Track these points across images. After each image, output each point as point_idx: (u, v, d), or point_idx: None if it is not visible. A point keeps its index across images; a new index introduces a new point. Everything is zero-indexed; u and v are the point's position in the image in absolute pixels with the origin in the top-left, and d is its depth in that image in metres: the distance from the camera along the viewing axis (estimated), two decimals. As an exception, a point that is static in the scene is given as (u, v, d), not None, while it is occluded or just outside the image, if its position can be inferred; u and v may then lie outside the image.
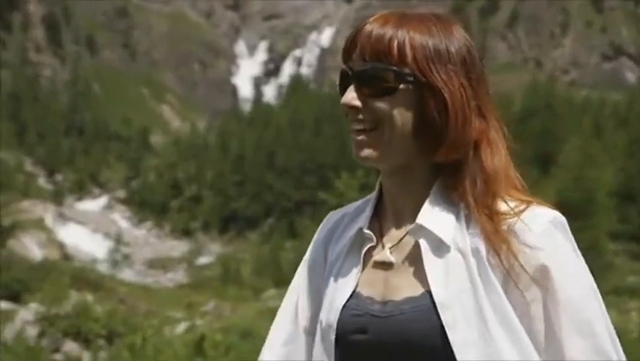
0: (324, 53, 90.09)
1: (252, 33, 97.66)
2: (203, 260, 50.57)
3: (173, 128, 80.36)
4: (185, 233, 56.28)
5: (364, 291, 1.28)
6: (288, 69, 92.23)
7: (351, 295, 1.28)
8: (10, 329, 9.18)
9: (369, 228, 1.30)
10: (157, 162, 64.87)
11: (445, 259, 1.24)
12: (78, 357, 8.51)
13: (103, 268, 41.06)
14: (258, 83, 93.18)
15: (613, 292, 19.32)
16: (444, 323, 1.20)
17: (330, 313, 1.29)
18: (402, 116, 1.23)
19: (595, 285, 1.26)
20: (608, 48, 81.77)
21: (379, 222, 1.31)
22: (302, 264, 1.41)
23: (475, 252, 1.23)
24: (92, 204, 60.65)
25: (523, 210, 1.24)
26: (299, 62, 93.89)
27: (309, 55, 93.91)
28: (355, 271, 1.29)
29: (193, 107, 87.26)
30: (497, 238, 1.22)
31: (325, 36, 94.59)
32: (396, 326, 1.23)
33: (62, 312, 9.05)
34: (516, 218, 1.23)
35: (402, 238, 1.28)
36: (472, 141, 1.25)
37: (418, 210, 1.26)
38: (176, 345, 8.80)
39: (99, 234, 53.81)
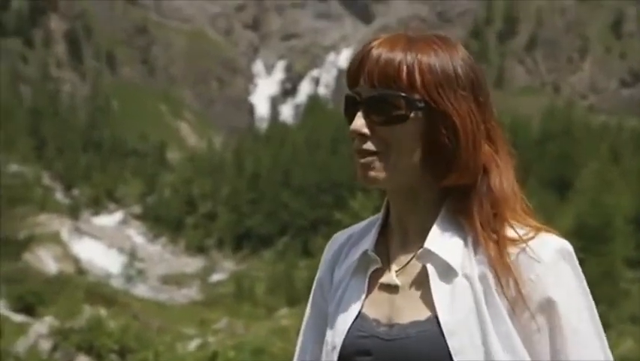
0: (342, 74, 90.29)
1: (270, 52, 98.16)
2: (216, 277, 50.57)
3: (190, 145, 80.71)
4: (200, 250, 56.35)
5: (370, 313, 1.27)
6: (305, 89, 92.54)
7: (356, 317, 1.27)
8: (24, 342, 9.22)
9: (376, 249, 1.29)
10: (173, 178, 65.11)
11: (452, 285, 1.23)
12: (91, 372, 8.53)
13: (117, 283, 41.16)
14: (275, 103, 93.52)
15: (629, 321, 19.12)
16: (450, 349, 1.20)
17: (335, 334, 1.28)
18: (411, 142, 1.22)
19: (598, 319, 1.27)
20: (627, 74, 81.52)
21: (386, 243, 1.30)
22: (313, 286, 1.41)
23: (482, 278, 1.23)
24: (108, 220, 60.88)
25: (532, 237, 1.23)
26: (316, 82, 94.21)
27: (326, 75, 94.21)
28: (361, 293, 1.28)
29: (210, 124, 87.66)
30: (503, 267, 1.22)
31: (343, 57, 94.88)
32: (402, 350, 1.23)
33: (76, 326, 9.08)
34: (524, 245, 1.22)
35: (409, 261, 1.27)
36: (481, 166, 1.24)
37: (425, 233, 1.25)
38: (188, 362, 8.83)
39: (114, 249, 53.97)
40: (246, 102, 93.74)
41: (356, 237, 1.35)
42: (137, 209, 63.29)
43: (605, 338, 1.26)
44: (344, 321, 1.28)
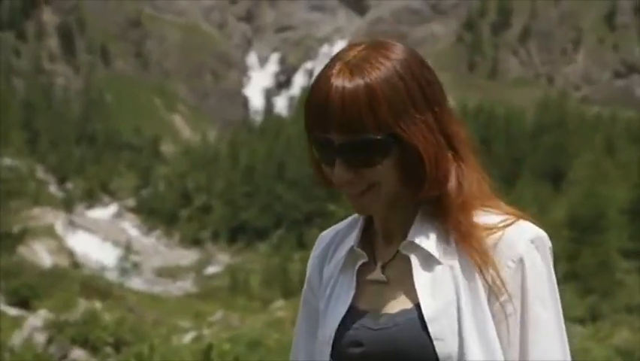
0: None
1: (264, 45, 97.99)
2: (211, 270, 50.59)
3: (184, 138, 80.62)
4: (195, 242, 56.34)
5: (360, 306, 1.34)
6: (299, 81, 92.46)
7: (347, 311, 1.33)
8: (19, 336, 9.22)
9: (361, 245, 1.36)
10: (167, 172, 65.05)
11: (434, 273, 1.30)
12: (86, 365, 8.54)
13: (112, 276, 41.12)
14: (269, 95, 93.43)
15: (624, 310, 19.18)
16: (431, 335, 1.26)
17: (326, 328, 1.35)
18: (392, 173, 1.28)
19: (561, 311, 1.32)
20: (620, 65, 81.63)
21: (370, 240, 1.37)
22: (304, 286, 1.47)
23: (463, 266, 1.29)
24: (102, 213, 60.82)
25: (509, 224, 1.30)
26: (310, 74, 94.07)
27: (320, 67, 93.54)
28: (350, 288, 1.35)
29: (204, 117, 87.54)
30: (482, 254, 1.28)
31: (337, 49, 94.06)
32: (390, 338, 1.29)
33: (71, 319, 9.08)
34: (501, 233, 1.29)
35: (393, 257, 1.34)
36: (447, 175, 1.30)
37: (406, 231, 1.32)
38: (183, 354, 8.82)
39: (108, 242, 53.93)
40: (240, 95, 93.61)
41: (342, 234, 1.41)
42: (131, 202, 63.22)
43: (565, 331, 1.32)
44: (335, 315, 1.34)
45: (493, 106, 57.34)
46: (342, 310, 1.33)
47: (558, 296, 1.31)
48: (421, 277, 1.29)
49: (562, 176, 40.75)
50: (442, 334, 1.27)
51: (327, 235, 1.45)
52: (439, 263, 1.29)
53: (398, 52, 1.28)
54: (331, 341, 1.33)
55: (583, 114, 56.53)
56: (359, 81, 1.24)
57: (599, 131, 49.59)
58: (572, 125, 51.38)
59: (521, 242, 1.29)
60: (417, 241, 1.30)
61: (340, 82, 1.25)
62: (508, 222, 1.30)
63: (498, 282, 1.27)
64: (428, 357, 1.27)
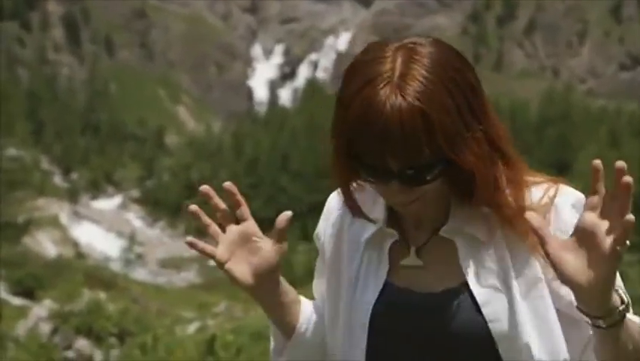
0: (341, 58, 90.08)
1: (268, 36, 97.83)
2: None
3: (188, 130, 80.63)
4: (199, 234, 56.27)
5: (399, 283, 1.34)
6: (303, 73, 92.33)
7: (384, 287, 1.34)
8: (24, 325, 9.25)
9: (392, 221, 1.36)
10: (171, 163, 65.09)
11: (480, 256, 1.31)
12: (90, 355, 8.55)
13: (116, 266, 41.21)
14: (273, 87, 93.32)
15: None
16: (485, 317, 1.28)
17: (361, 303, 1.34)
18: (441, 188, 1.29)
19: None
20: (626, 58, 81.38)
21: (396, 217, 1.36)
22: (323, 239, 1.46)
23: (513, 248, 1.31)
24: (107, 203, 60.90)
25: (554, 195, 1.32)
26: (315, 65, 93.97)
27: (325, 59, 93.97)
28: (383, 265, 1.35)
29: (208, 108, 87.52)
30: (529, 236, 1.27)
31: (342, 41, 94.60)
32: (439, 318, 1.30)
33: (75, 310, 9.11)
34: (545, 204, 1.31)
35: (428, 240, 1.34)
36: (499, 184, 1.29)
37: (439, 215, 1.33)
38: (187, 345, 8.84)
39: (113, 233, 54.02)
40: (245, 86, 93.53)
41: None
42: (135, 193, 63.29)
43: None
44: (370, 291, 1.34)
45: (498, 98, 57.21)
46: (377, 285, 1.33)
47: None
48: (467, 260, 1.30)
49: (566, 168, 40.71)
50: (495, 315, 1.28)
51: (337, 197, 1.43)
52: (485, 246, 1.30)
53: (438, 59, 1.25)
54: (368, 316, 1.32)
55: (588, 107, 56.43)
56: (414, 106, 1.21)
57: (604, 123, 49.50)
58: (576, 117, 51.30)
59: (565, 209, 1.31)
60: (460, 225, 1.31)
61: (395, 108, 1.21)
62: (550, 192, 1.31)
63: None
64: (482, 338, 1.28)
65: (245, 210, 1.41)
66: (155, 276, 44.83)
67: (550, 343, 1.29)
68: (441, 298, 1.30)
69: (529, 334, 1.28)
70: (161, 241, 55.97)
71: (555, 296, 1.30)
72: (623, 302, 1.24)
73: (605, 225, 1.20)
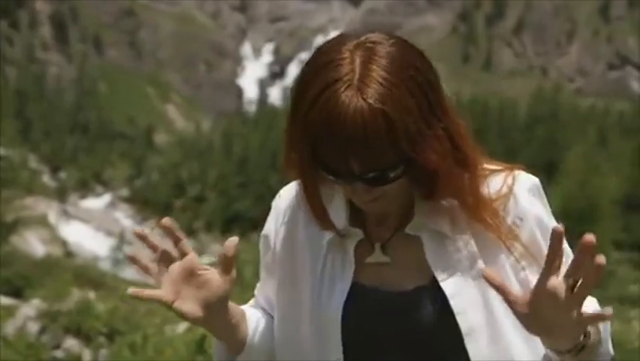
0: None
1: (258, 35, 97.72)
2: (205, 260, 50.49)
3: (178, 128, 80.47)
4: (188, 233, 56.30)
5: (367, 282, 1.33)
6: (293, 72, 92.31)
7: (351, 289, 1.33)
8: (12, 325, 9.21)
9: (355, 220, 1.35)
10: (161, 162, 64.95)
11: (447, 250, 1.31)
12: (79, 354, 8.52)
13: (105, 266, 41.10)
14: (263, 85, 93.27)
15: (616, 301, 19.26)
16: (453, 310, 1.28)
17: (329, 307, 1.32)
18: (404, 185, 1.28)
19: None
20: (614, 57, 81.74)
21: (357, 215, 1.35)
22: (263, 238, 1.47)
23: (480, 240, 1.32)
24: (96, 203, 60.72)
25: (512, 184, 1.33)
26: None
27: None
28: (349, 264, 1.33)
29: (198, 107, 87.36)
30: (494, 227, 1.30)
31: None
32: (411, 316, 1.30)
33: (64, 309, 9.07)
34: (505, 193, 1.32)
35: (391, 236, 1.34)
36: (460, 182, 1.30)
37: (402, 211, 1.33)
38: (176, 344, 8.81)
39: (102, 232, 53.87)
40: (234, 85, 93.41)
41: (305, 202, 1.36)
42: (124, 192, 63.12)
43: None
44: (338, 292, 1.33)
45: (487, 97, 57.35)
46: (344, 287, 1.32)
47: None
48: (433, 255, 1.30)
49: (555, 167, 40.83)
50: (462, 308, 1.28)
51: (287, 196, 1.42)
52: (451, 240, 1.31)
53: (397, 58, 1.23)
54: (339, 316, 1.31)
55: (576, 106, 56.65)
56: (376, 108, 1.19)
57: (593, 123, 49.72)
58: (565, 116, 51.50)
59: (523, 196, 1.33)
60: (425, 220, 1.31)
61: (357, 111, 1.19)
62: (509, 180, 1.33)
63: (518, 245, 1.31)
64: (444, 332, 1.29)
65: (184, 244, 1.37)
66: (144, 275, 44.68)
67: (526, 335, 1.28)
68: (412, 296, 1.30)
69: (506, 324, 1.29)
70: (151, 240, 55.80)
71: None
72: (595, 333, 1.25)
73: (566, 283, 1.18)
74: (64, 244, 48.30)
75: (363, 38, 1.25)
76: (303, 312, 1.35)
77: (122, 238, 51.01)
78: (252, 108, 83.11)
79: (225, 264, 1.30)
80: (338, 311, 1.31)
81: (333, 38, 1.28)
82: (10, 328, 9.26)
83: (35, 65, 78.77)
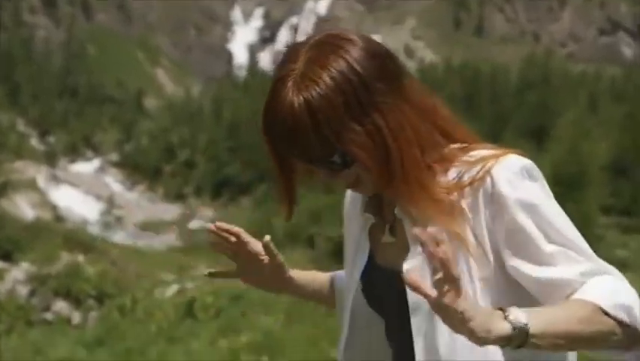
0: (321, 21, 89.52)
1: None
2: (195, 224, 50.65)
3: (167, 93, 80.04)
4: (178, 197, 56.29)
5: (377, 260, 1.49)
6: (283, 36, 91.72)
7: (366, 266, 1.49)
8: (1, 288, 9.20)
9: (370, 207, 1.49)
10: (150, 126, 64.66)
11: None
12: (68, 317, 8.53)
13: (95, 230, 41.09)
14: (253, 50, 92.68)
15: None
16: (407, 289, 1.34)
17: (352, 280, 1.51)
18: (366, 171, 1.38)
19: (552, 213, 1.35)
20: (606, 23, 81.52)
21: (379, 202, 1.49)
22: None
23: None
24: (85, 167, 60.54)
25: (491, 167, 1.34)
26: (295, 29, 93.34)
27: (305, 22, 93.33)
28: (366, 245, 1.50)
29: (187, 72, 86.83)
30: (447, 224, 1.35)
31: (322, 4, 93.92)
32: (393, 291, 1.43)
33: (53, 272, 9.06)
34: (484, 177, 1.34)
35: (395, 219, 1.45)
36: (408, 172, 1.36)
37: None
38: (166, 307, 8.84)
39: (91, 196, 53.80)
40: (224, 50, 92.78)
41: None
42: (114, 157, 62.92)
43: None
44: (358, 269, 1.50)
45: (479, 63, 57.16)
46: (362, 264, 1.49)
47: (546, 204, 1.34)
48: (412, 238, 1.39)
49: (546, 133, 40.89)
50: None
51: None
52: (420, 222, 1.36)
53: (340, 57, 1.34)
54: (360, 285, 1.49)
55: (568, 72, 56.58)
56: (303, 104, 1.33)
57: (584, 88, 49.69)
58: (556, 82, 51.44)
59: (501, 180, 1.33)
60: (403, 205, 1.41)
61: (288, 104, 1.34)
62: (488, 165, 1.34)
63: (478, 233, 1.33)
64: (422, 307, 1.35)
65: (242, 233, 1.60)
66: (134, 239, 44.77)
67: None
68: (395, 273, 1.39)
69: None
70: (140, 204, 55.81)
71: (507, 277, 1.33)
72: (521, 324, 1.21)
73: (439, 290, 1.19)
74: (53, 208, 48.21)
75: (320, 38, 1.38)
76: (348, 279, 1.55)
77: (111, 203, 50.95)
78: (242, 73, 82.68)
79: (268, 252, 1.59)
80: (358, 279, 1.49)
81: (303, 39, 1.42)
82: (0, 291, 9.26)
83: (23, 28, 77.96)
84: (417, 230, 1.18)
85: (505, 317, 1.20)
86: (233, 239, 1.59)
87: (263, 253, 1.59)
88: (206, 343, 8.80)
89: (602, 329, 1.25)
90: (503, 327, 1.19)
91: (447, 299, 1.16)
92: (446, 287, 1.16)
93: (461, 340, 1.24)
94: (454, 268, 1.16)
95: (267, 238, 1.58)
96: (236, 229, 1.59)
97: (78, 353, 8.42)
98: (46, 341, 8.57)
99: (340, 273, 1.69)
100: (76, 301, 8.80)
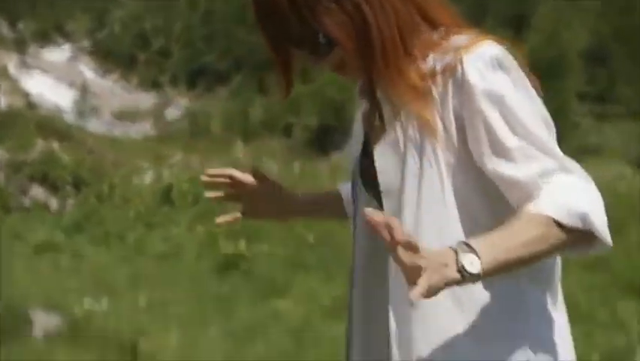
0: None
1: None
2: (171, 113, 50.34)
3: (140, -23, 77.91)
4: (153, 86, 55.67)
5: (372, 143, 1.50)
6: None
7: (363, 145, 1.52)
8: (-25, 175, 9.18)
9: (365, 90, 1.50)
10: (123, 14, 63.23)
11: (392, 116, 1.42)
12: (45, 202, 8.57)
13: (69, 118, 40.79)
14: None
15: (577, 151, 19.75)
16: (377, 169, 1.42)
17: (352, 156, 1.56)
18: (349, 55, 1.39)
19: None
20: None
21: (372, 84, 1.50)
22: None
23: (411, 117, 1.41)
24: (57, 55, 59.43)
25: (462, 56, 1.33)
26: None
27: None
28: (360, 127, 1.53)
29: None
30: (417, 112, 1.38)
31: None
32: (370, 171, 1.50)
33: (28, 159, 9.03)
34: (456, 66, 1.33)
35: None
36: (387, 59, 1.37)
37: None
38: (144, 194, 8.89)
39: (64, 83, 53.09)
40: None
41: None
42: (86, 44, 61.79)
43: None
44: (356, 150, 1.55)
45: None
46: (359, 146, 1.52)
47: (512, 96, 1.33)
48: (389, 118, 1.41)
49: (524, 22, 40.55)
50: (384, 168, 1.39)
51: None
52: (396, 107, 1.39)
53: None
54: (359, 164, 1.52)
55: (548, -42, 55.54)
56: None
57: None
58: (536, -32, 50.53)
59: (470, 69, 1.32)
60: (385, 97, 1.42)
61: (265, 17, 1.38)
62: (459, 53, 1.33)
63: (445, 120, 1.34)
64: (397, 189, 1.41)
65: (234, 171, 1.68)
66: (109, 127, 44.54)
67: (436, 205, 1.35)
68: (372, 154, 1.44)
69: (410, 189, 1.36)
70: (115, 92, 55.17)
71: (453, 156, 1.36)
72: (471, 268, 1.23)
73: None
74: (25, 95, 47.60)
75: None
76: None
77: (84, 90, 50.36)
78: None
79: (258, 176, 1.65)
80: (357, 157, 1.52)
81: None
82: (-27, 179, 9.23)
83: None
84: (368, 211, 1.19)
85: (457, 266, 1.20)
86: (227, 180, 1.63)
87: (255, 182, 1.62)
88: (184, 229, 8.91)
89: (556, 243, 1.26)
90: (454, 277, 1.21)
91: (405, 258, 1.18)
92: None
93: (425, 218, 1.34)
94: (410, 237, 1.17)
95: (254, 166, 1.65)
96: (227, 170, 1.64)
97: (57, 237, 8.52)
98: (25, 226, 8.65)
99: (348, 184, 1.71)
100: (53, 188, 8.81)
